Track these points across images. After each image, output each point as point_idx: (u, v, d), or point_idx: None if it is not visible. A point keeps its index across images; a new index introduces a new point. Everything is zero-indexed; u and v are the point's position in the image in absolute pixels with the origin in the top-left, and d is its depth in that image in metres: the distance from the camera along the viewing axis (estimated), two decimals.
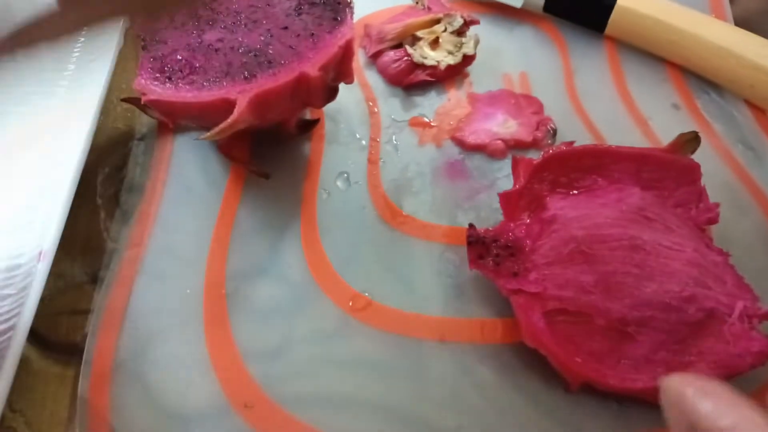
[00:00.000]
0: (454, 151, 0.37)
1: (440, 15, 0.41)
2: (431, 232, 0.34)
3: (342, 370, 0.29)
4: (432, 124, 0.38)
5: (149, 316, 0.30)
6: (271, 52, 0.32)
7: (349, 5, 0.33)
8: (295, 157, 0.36)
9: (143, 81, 0.32)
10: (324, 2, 0.33)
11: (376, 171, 0.36)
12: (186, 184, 0.35)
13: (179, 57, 0.32)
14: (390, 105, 0.39)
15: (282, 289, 0.31)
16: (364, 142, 0.37)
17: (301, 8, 0.33)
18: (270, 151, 0.36)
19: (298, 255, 0.32)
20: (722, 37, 0.40)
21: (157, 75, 0.32)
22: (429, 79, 0.40)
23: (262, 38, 0.32)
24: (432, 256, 0.33)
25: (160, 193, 0.34)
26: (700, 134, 0.33)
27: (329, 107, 0.38)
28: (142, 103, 0.32)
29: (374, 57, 0.40)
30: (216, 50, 0.32)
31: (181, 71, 0.31)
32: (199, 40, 0.33)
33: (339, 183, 0.35)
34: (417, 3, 0.42)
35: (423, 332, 0.31)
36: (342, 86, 0.37)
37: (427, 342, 0.30)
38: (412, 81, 0.39)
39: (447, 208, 0.35)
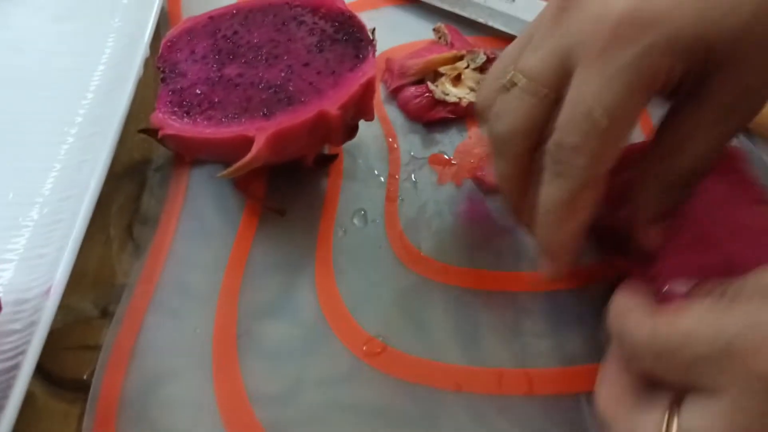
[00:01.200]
0: (474, 191, 0.37)
1: (463, 52, 0.40)
2: (449, 274, 0.33)
3: (352, 418, 0.28)
4: (452, 162, 0.38)
5: (158, 355, 0.30)
6: (291, 88, 0.31)
7: (372, 43, 0.33)
8: (311, 192, 0.35)
9: (161, 115, 0.31)
10: (346, 39, 0.33)
11: (394, 209, 0.35)
12: (200, 218, 0.34)
13: (198, 91, 0.32)
14: (409, 141, 0.38)
15: (294, 330, 0.30)
16: (382, 179, 0.36)
17: (322, 44, 0.33)
18: (286, 186, 0.35)
19: (312, 296, 0.32)
20: None
21: (176, 109, 0.31)
22: (450, 116, 0.39)
23: (283, 74, 0.32)
24: (449, 300, 0.32)
25: (174, 226, 0.34)
26: None
27: (348, 142, 0.37)
28: (159, 137, 0.31)
29: (395, 92, 0.40)
30: (236, 85, 0.31)
31: (200, 106, 0.31)
32: (219, 74, 0.32)
33: (356, 221, 0.35)
34: (440, 39, 0.42)
35: (438, 381, 0.29)
36: (361, 121, 0.37)
37: (442, 392, 0.29)
38: (432, 117, 0.39)
39: (466, 249, 0.34)
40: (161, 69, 0.33)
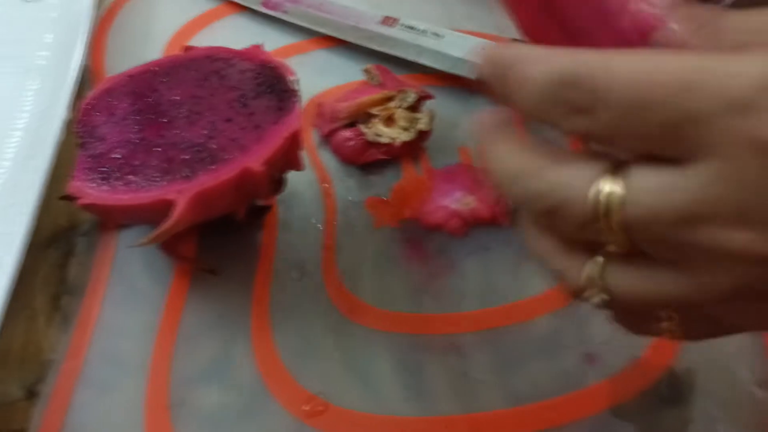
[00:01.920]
0: (412, 232, 0.36)
1: (393, 92, 0.40)
2: (392, 321, 0.32)
3: None
4: (388, 204, 0.37)
5: None
6: (213, 146, 0.30)
7: (295, 94, 0.32)
8: (246, 247, 0.35)
9: (78, 182, 0.30)
10: (269, 91, 0.32)
11: (332, 258, 0.34)
12: (130, 283, 0.33)
13: (117, 155, 0.30)
14: (345, 186, 0.38)
15: (230, 396, 0.29)
16: (319, 227, 0.36)
17: (245, 98, 0.32)
18: (219, 243, 0.34)
19: (248, 357, 0.30)
20: None
21: (93, 176, 0.30)
22: (384, 157, 0.39)
23: (205, 132, 0.31)
24: (393, 348, 0.31)
25: (102, 294, 0.32)
26: None
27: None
28: (78, 205, 0.30)
29: (328, 136, 0.39)
30: (156, 147, 0.31)
31: (119, 171, 0.30)
32: (140, 136, 0.31)
33: (293, 273, 0.34)
34: (370, 79, 0.42)
35: None
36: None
37: None
38: (366, 160, 0.38)
39: (408, 293, 0.34)
40: (79, 134, 0.32)
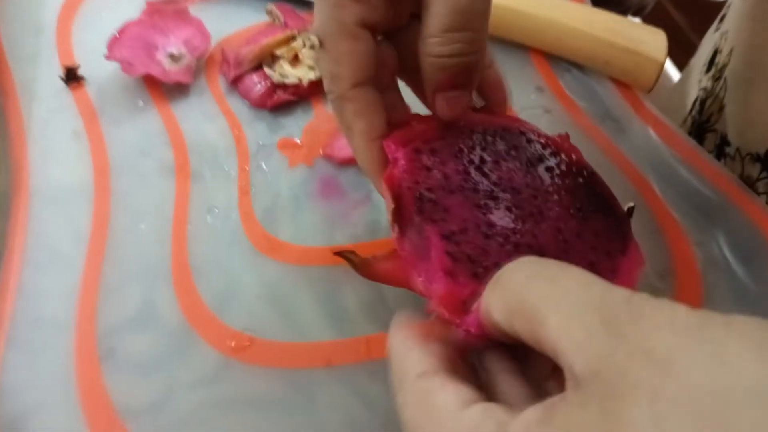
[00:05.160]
0: (326, 169, 0.37)
1: (296, 31, 0.40)
2: (310, 256, 0.34)
3: (230, 415, 0.29)
4: (300, 143, 0.38)
5: (20, 394, 0.29)
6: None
7: (630, 219, 0.27)
8: (159, 198, 0.35)
9: (442, 274, 0.23)
10: (600, 209, 0.27)
11: (248, 201, 0.35)
12: (47, 245, 0.33)
13: (473, 243, 0.24)
14: (256, 130, 0.38)
15: (158, 340, 0.30)
16: (232, 173, 0.36)
17: (584, 209, 0.26)
18: (133, 194, 0.35)
19: (172, 302, 0.31)
20: (574, 18, 0.41)
21: (462, 268, 0.23)
22: (293, 98, 0.39)
23: (560, 242, 0.25)
24: (312, 280, 0.33)
25: (19, 259, 0.32)
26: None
27: (191, 141, 0.37)
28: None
29: (235, 82, 0.40)
30: (510, 244, 0.24)
31: (484, 268, 0.23)
32: (487, 220, 0.24)
33: (209, 219, 0.35)
34: (273, 20, 0.42)
35: (308, 361, 0.30)
36: (204, 117, 0.36)
37: (315, 371, 0.30)
38: (276, 102, 0.39)
39: (324, 228, 0.35)
40: (418, 189, 0.25)
